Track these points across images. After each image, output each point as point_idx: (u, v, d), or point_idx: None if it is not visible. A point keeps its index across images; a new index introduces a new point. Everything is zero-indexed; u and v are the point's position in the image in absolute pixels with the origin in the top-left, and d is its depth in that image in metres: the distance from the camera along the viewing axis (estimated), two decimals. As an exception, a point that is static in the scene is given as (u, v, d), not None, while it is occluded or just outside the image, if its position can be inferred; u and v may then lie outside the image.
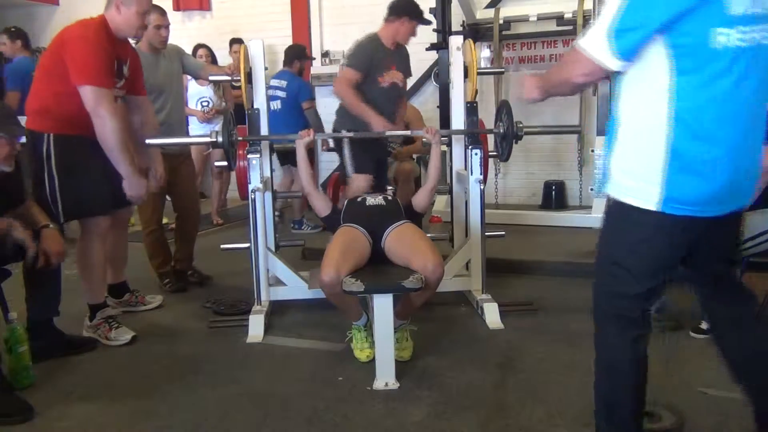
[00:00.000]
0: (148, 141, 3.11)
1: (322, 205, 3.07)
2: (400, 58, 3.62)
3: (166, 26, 3.56)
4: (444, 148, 3.86)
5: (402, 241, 2.70)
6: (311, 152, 5.54)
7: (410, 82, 6.26)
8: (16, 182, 2.68)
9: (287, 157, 5.25)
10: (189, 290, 3.78)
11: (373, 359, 2.52)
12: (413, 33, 3.58)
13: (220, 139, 2.97)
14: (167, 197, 3.81)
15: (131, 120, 3.15)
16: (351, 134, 3.37)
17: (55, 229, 2.60)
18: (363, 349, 2.68)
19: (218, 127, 5.38)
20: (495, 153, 3.51)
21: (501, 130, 3.26)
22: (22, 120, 2.74)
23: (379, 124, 3.35)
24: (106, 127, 2.74)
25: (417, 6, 3.56)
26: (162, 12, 3.55)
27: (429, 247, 2.61)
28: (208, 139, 3.08)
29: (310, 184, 3.09)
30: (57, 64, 2.76)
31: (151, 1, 3.00)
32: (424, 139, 3.30)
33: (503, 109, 3.27)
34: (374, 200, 3.02)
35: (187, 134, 3.93)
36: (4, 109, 2.52)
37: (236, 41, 6.00)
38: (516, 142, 3.23)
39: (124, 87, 3.00)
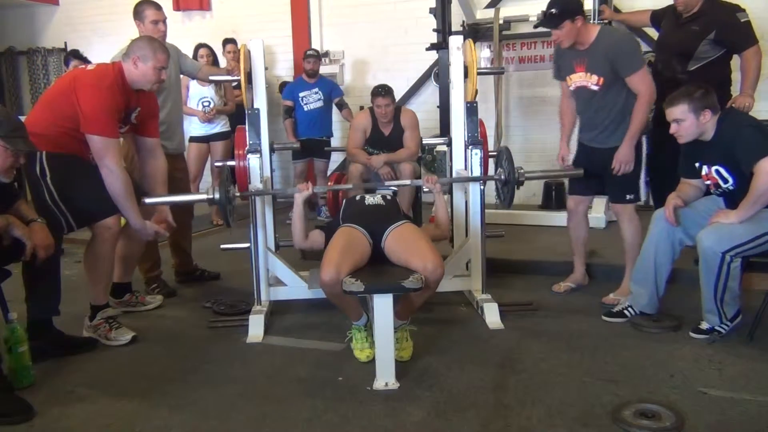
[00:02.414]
0: (146, 200, 3.07)
1: (317, 242, 2.97)
2: (591, 57, 3.18)
3: (164, 20, 3.55)
4: (444, 148, 3.86)
5: (401, 241, 2.70)
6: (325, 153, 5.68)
7: (409, 83, 6.38)
8: (12, 186, 2.69)
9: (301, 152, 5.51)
10: (179, 293, 3.76)
11: (373, 359, 2.52)
12: (560, 34, 3.15)
13: (217, 196, 2.90)
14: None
15: (142, 164, 3.22)
16: (348, 186, 3.31)
17: (43, 223, 2.61)
18: (363, 349, 2.68)
19: (219, 127, 5.49)
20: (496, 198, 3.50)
21: (502, 177, 3.17)
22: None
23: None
24: (112, 177, 2.86)
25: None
26: (157, 7, 3.54)
27: (429, 247, 2.61)
28: (205, 197, 2.98)
29: (302, 239, 3.01)
30: (63, 102, 2.85)
31: (168, 57, 3.05)
32: (425, 189, 3.24)
33: (503, 155, 3.21)
34: (373, 200, 3.02)
35: (183, 133, 3.93)
36: (12, 122, 2.53)
37: (229, 41, 6.02)
38: (518, 188, 3.14)
39: (128, 131, 3.10)
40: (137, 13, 3.50)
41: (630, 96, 3.17)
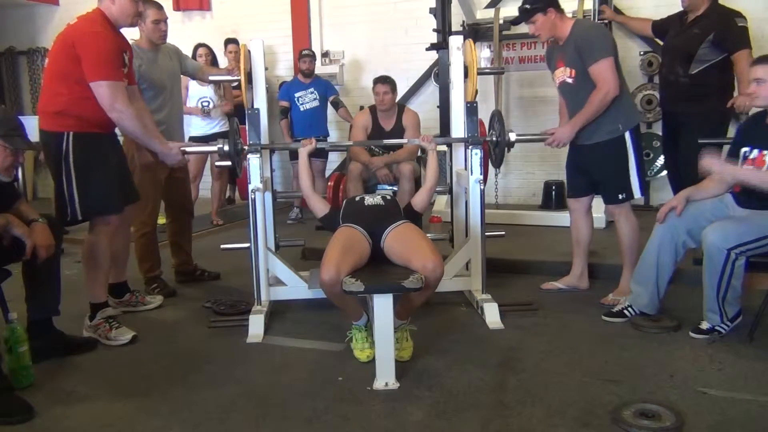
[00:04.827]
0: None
1: (319, 207, 3.10)
2: (566, 51, 3.18)
3: (165, 20, 3.54)
4: (444, 148, 3.86)
5: (401, 241, 2.70)
6: (323, 153, 5.72)
7: (409, 83, 6.37)
8: (13, 186, 2.69)
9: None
10: (179, 293, 3.75)
11: (374, 359, 2.52)
12: (534, 27, 3.21)
13: (226, 148, 3.00)
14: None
15: None
16: (350, 143, 3.39)
17: (44, 223, 2.61)
18: (363, 349, 2.68)
19: (218, 127, 5.50)
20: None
21: (494, 138, 3.26)
22: (31, 120, 2.77)
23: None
24: (127, 119, 2.85)
25: None
26: (159, 6, 3.54)
27: (428, 246, 2.61)
28: (214, 149, 3.12)
29: (309, 188, 3.13)
30: (67, 65, 2.78)
31: None
32: (421, 148, 3.35)
33: (495, 117, 3.28)
34: (373, 200, 3.02)
35: (183, 134, 3.94)
36: (11, 121, 2.53)
37: (231, 41, 6.03)
38: (508, 150, 3.24)
39: (127, 76, 3.02)
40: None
41: None
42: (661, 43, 4.33)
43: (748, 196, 2.79)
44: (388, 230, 2.74)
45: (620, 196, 3.26)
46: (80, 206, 2.86)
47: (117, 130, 3.07)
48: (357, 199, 3.05)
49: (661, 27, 4.11)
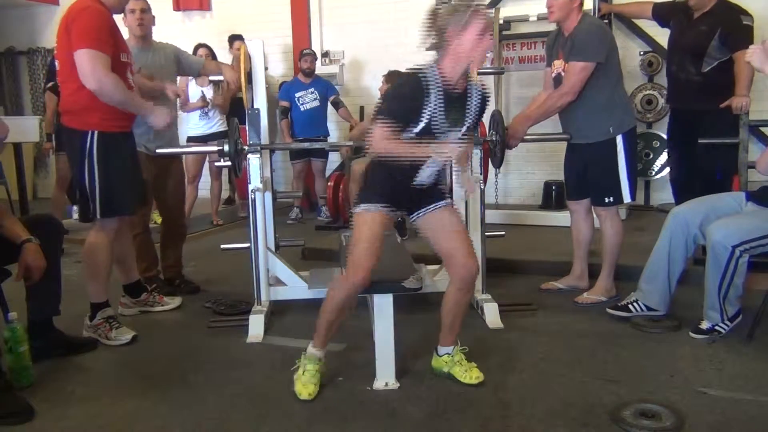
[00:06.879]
0: (159, 151, 3.15)
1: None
2: (567, 44, 3.13)
3: (143, 9, 3.44)
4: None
5: (446, 229, 2.39)
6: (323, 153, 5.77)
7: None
8: None
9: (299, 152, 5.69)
10: (179, 294, 3.70)
11: (315, 399, 2.35)
12: (554, 3, 3.12)
13: (227, 148, 2.99)
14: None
15: None
16: (350, 143, 3.42)
17: (36, 243, 2.53)
18: (308, 384, 2.38)
19: (216, 126, 5.51)
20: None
21: (494, 138, 3.26)
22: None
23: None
24: (109, 88, 2.72)
25: None
26: None
27: (471, 244, 2.40)
28: (215, 149, 3.11)
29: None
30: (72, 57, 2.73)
31: None
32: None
33: (495, 118, 3.27)
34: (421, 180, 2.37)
35: (177, 133, 3.91)
36: None
37: (236, 38, 6.01)
38: (510, 148, 3.24)
39: (123, 67, 2.92)
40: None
41: (603, 86, 3.13)
42: (660, 28, 4.25)
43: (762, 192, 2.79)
44: (426, 210, 2.41)
45: (606, 200, 3.25)
46: (100, 204, 2.86)
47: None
48: (399, 178, 2.34)
49: (662, 11, 4.05)
